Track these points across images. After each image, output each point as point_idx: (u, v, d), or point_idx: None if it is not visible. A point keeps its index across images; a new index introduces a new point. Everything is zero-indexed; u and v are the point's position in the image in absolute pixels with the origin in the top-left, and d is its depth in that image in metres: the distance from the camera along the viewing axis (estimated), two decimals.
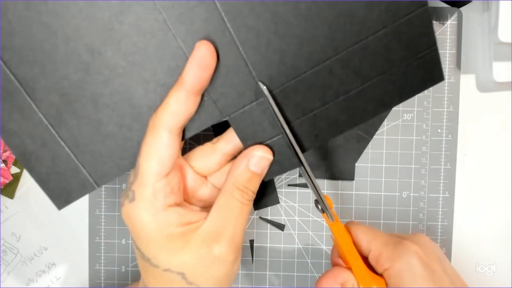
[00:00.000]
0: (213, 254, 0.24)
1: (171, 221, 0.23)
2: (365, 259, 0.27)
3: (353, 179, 0.36)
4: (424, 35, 0.25)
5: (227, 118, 0.25)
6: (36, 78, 0.24)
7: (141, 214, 0.23)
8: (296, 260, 0.36)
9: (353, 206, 0.36)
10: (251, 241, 0.36)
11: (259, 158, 0.25)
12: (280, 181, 0.36)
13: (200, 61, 0.23)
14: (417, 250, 0.26)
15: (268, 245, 0.36)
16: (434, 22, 0.35)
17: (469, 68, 0.36)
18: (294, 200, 0.36)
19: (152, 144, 0.23)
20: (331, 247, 0.36)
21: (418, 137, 0.36)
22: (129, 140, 0.25)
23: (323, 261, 0.36)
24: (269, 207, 0.36)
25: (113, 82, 0.24)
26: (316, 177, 0.36)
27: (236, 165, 0.25)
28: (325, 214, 0.28)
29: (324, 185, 0.36)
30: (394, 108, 0.35)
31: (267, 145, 0.26)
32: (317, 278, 0.36)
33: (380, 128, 0.36)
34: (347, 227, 0.28)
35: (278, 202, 0.36)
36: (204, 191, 0.27)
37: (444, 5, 0.35)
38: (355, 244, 0.28)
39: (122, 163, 0.26)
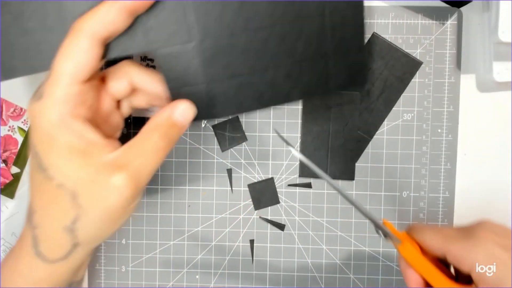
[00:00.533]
0: (111, 181, 0.23)
1: (77, 133, 0.23)
2: (441, 263, 0.26)
3: (353, 179, 0.36)
4: (354, 36, 0.26)
5: (152, 51, 0.25)
6: None
7: (48, 113, 0.22)
8: (296, 260, 0.36)
9: (353, 206, 0.36)
10: (251, 241, 0.36)
11: (183, 109, 0.25)
12: (280, 181, 0.36)
13: None
14: (493, 238, 0.25)
15: (268, 245, 0.36)
16: (434, 22, 0.35)
17: (469, 68, 0.36)
18: (294, 200, 0.36)
19: (70, 46, 0.22)
20: (331, 247, 0.36)
21: (418, 137, 0.36)
22: (48, 42, 0.24)
23: (323, 261, 0.36)
24: (269, 207, 0.36)
25: None
26: (316, 176, 0.36)
27: (161, 111, 0.25)
28: (388, 238, 0.27)
29: (324, 185, 0.36)
30: (394, 108, 0.35)
31: (188, 92, 0.26)
32: (317, 278, 0.36)
33: (380, 128, 0.36)
34: (410, 234, 0.27)
35: (278, 202, 0.36)
36: (115, 118, 0.27)
37: (444, 5, 0.35)
38: (426, 250, 0.26)
39: (34, 63, 0.25)
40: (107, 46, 0.24)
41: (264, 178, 0.36)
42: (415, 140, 0.36)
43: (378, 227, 0.27)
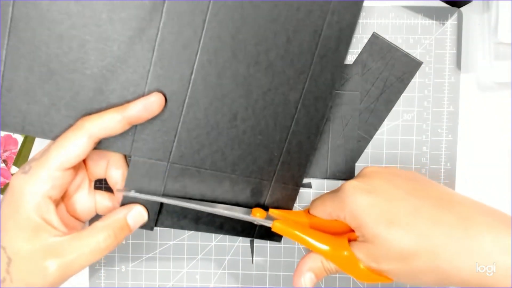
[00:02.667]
0: (43, 264, 0.25)
1: (40, 211, 0.25)
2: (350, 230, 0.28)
3: None
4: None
5: (131, 157, 0.28)
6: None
7: (27, 187, 0.25)
8: (296, 260, 0.36)
9: None
10: (251, 241, 0.36)
11: (138, 212, 0.28)
12: None
13: (148, 105, 0.26)
14: (354, 185, 0.26)
15: (268, 245, 0.36)
16: (434, 22, 0.35)
17: (469, 68, 0.36)
18: None
19: (68, 139, 0.26)
20: None
21: (418, 137, 0.36)
22: (51, 117, 0.27)
23: None
24: None
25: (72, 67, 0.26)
26: (316, 177, 0.36)
27: (116, 211, 0.28)
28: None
29: (325, 185, 0.36)
30: (394, 108, 0.35)
31: (143, 201, 0.29)
32: None
33: (380, 128, 0.36)
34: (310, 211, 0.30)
35: None
36: (86, 199, 0.30)
37: (444, 5, 0.35)
38: (322, 222, 0.29)
39: (28, 127, 0.27)
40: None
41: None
42: (415, 140, 0.36)
43: (245, 218, 0.29)
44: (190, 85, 0.27)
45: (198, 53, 0.27)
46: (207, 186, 0.30)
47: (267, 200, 0.31)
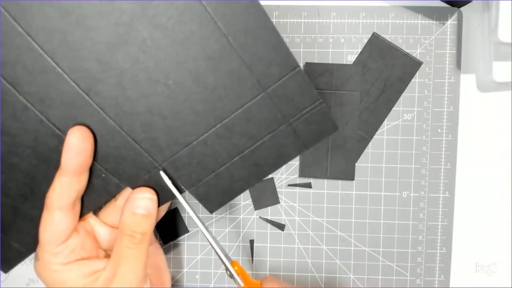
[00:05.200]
0: None
1: (74, 275, 0.26)
2: None
3: (353, 179, 0.36)
4: (304, 93, 0.26)
5: (127, 186, 0.27)
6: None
7: (42, 273, 0.27)
8: (296, 260, 0.36)
9: (353, 206, 0.36)
10: (251, 241, 0.36)
11: (140, 199, 0.27)
12: (280, 181, 0.36)
13: (73, 149, 0.25)
14: None
15: (268, 245, 0.36)
16: (434, 22, 0.35)
17: (469, 68, 0.36)
18: (294, 200, 0.36)
19: (46, 220, 0.26)
20: (331, 247, 0.36)
21: (418, 137, 0.36)
22: (29, 218, 0.28)
23: (323, 261, 0.36)
24: (269, 207, 0.36)
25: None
26: (317, 176, 0.36)
27: (122, 211, 0.27)
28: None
29: (324, 185, 0.36)
30: (394, 108, 0.35)
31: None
32: (317, 278, 0.36)
33: (380, 128, 0.36)
34: (262, 283, 0.30)
35: (278, 202, 0.36)
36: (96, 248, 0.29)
37: (444, 5, 0.35)
38: None
39: (27, 244, 0.28)
40: (82, 203, 0.27)
41: (264, 178, 0.36)
42: (415, 140, 0.36)
43: (227, 268, 0.29)
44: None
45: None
46: (213, 152, 0.27)
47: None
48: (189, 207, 0.28)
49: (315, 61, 0.35)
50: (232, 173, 0.28)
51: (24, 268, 0.37)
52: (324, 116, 0.27)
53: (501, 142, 0.36)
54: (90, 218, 0.29)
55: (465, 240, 0.36)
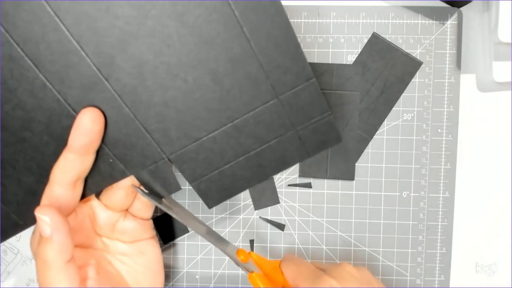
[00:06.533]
0: None
1: (56, 255, 0.25)
2: None
3: (353, 179, 0.36)
4: (315, 103, 0.27)
5: (134, 174, 0.28)
6: None
7: (33, 246, 0.26)
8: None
9: (353, 206, 0.36)
10: (251, 241, 0.36)
11: (37, 218, 0.25)
12: (280, 181, 0.36)
13: (82, 128, 0.25)
14: (332, 285, 0.27)
15: (268, 245, 0.36)
16: (434, 22, 0.35)
17: (469, 68, 0.36)
18: (294, 200, 0.36)
19: (46, 194, 0.26)
20: (331, 247, 0.36)
21: (418, 137, 0.36)
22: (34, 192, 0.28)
23: (323, 261, 0.36)
24: (269, 207, 0.36)
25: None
26: (317, 176, 0.36)
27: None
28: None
29: (325, 185, 0.36)
30: (394, 108, 0.35)
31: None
32: None
33: (380, 128, 0.36)
34: (281, 265, 0.30)
35: (278, 202, 0.36)
36: (123, 224, 0.29)
37: (444, 5, 0.35)
38: (285, 280, 0.29)
39: (26, 217, 0.28)
40: (86, 185, 0.27)
41: (264, 180, 0.36)
42: (415, 140, 0.36)
43: (230, 256, 0.30)
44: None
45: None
46: (220, 150, 0.28)
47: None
48: (172, 213, 0.29)
49: (315, 61, 0.35)
50: (235, 172, 0.28)
51: (24, 268, 0.37)
52: (330, 127, 0.28)
53: (501, 142, 0.36)
54: (93, 201, 0.29)
55: (465, 240, 0.36)
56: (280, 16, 0.24)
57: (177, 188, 0.29)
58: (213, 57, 0.25)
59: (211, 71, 0.25)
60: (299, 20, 0.35)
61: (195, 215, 0.36)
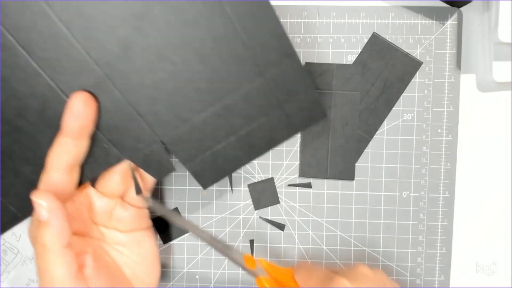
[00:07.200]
0: None
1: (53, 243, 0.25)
2: None
3: (353, 179, 0.36)
4: (298, 80, 0.27)
5: (129, 158, 0.28)
6: None
7: (31, 234, 0.26)
8: (296, 260, 0.36)
9: (353, 206, 0.36)
10: (251, 241, 0.36)
11: (34, 203, 0.25)
12: (280, 181, 0.36)
13: (74, 111, 0.25)
14: (344, 285, 0.26)
15: (268, 245, 0.36)
16: (434, 22, 0.35)
17: (469, 68, 0.36)
18: (294, 200, 0.36)
19: (42, 180, 0.26)
20: (331, 247, 0.36)
21: (418, 137, 0.36)
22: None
23: (323, 261, 0.36)
24: (269, 207, 0.36)
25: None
26: (317, 176, 0.36)
27: None
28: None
29: (325, 185, 0.36)
30: (394, 108, 0.35)
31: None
32: None
33: (380, 128, 0.36)
34: (295, 271, 0.30)
35: (278, 202, 0.36)
36: (119, 213, 0.29)
37: (444, 5, 0.35)
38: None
39: (24, 208, 0.28)
40: (82, 172, 0.28)
41: (264, 178, 0.36)
42: (415, 140, 0.36)
43: (237, 262, 0.30)
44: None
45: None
46: (212, 130, 0.28)
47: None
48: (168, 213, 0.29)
49: (315, 61, 0.35)
50: (227, 152, 0.29)
51: (24, 268, 0.37)
52: (314, 103, 0.28)
53: (501, 142, 0.36)
54: (89, 189, 0.29)
55: (465, 240, 0.36)
56: None
57: (171, 169, 0.29)
58: (198, 37, 0.25)
59: (197, 51, 0.26)
60: (299, 20, 0.35)
61: (195, 214, 0.36)
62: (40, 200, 0.24)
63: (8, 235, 0.37)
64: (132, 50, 0.25)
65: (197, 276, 0.36)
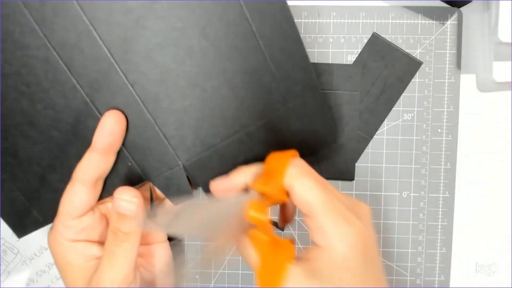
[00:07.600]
0: None
1: (76, 254, 0.27)
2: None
3: (353, 179, 0.36)
4: (318, 111, 0.29)
5: (149, 180, 0.29)
6: None
7: (51, 242, 0.28)
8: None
9: None
10: None
11: (120, 200, 0.27)
12: None
13: (105, 129, 0.26)
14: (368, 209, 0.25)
15: None
16: (434, 22, 0.35)
17: (469, 68, 0.36)
18: None
19: (67, 191, 0.27)
20: None
21: (418, 137, 0.36)
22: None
23: None
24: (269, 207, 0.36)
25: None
26: None
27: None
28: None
29: None
30: (394, 108, 0.35)
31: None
32: None
33: (380, 128, 0.36)
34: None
35: None
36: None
37: (444, 5, 0.35)
38: (294, 199, 0.25)
39: (46, 214, 0.29)
40: (104, 187, 0.28)
41: None
42: (415, 140, 0.36)
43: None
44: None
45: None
46: (232, 155, 0.29)
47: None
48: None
49: (315, 61, 0.35)
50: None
51: (24, 268, 0.37)
52: (331, 132, 0.30)
53: (501, 142, 0.36)
54: (109, 202, 0.29)
55: (465, 240, 0.36)
56: (292, 31, 0.27)
57: (190, 195, 0.29)
58: (231, 68, 0.27)
59: (229, 81, 0.27)
60: (299, 20, 0.35)
61: None
62: (133, 198, 0.26)
63: (8, 235, 0.37)
64: (167, 75, 0.27)
65: (197, 276, 0.36)
